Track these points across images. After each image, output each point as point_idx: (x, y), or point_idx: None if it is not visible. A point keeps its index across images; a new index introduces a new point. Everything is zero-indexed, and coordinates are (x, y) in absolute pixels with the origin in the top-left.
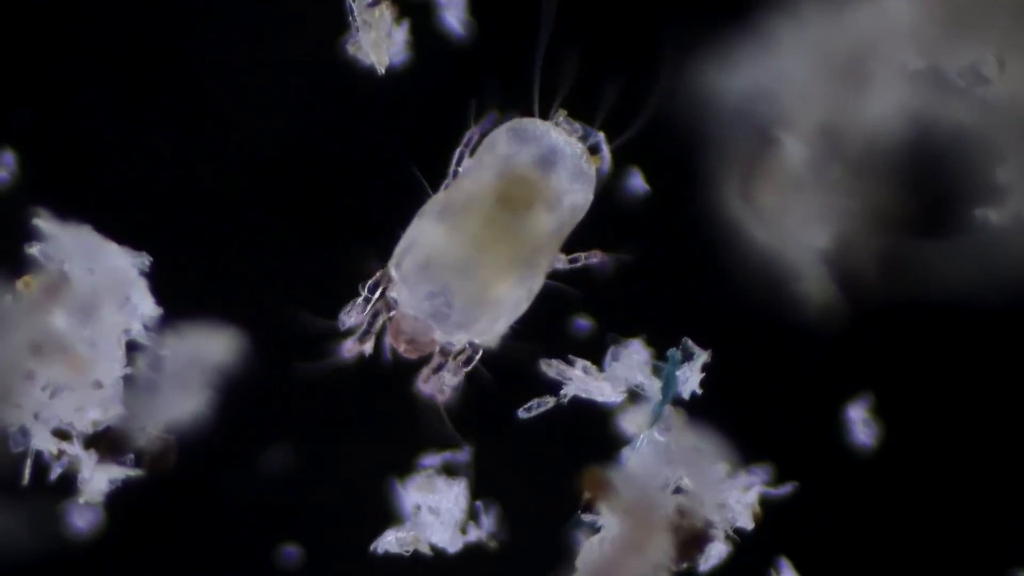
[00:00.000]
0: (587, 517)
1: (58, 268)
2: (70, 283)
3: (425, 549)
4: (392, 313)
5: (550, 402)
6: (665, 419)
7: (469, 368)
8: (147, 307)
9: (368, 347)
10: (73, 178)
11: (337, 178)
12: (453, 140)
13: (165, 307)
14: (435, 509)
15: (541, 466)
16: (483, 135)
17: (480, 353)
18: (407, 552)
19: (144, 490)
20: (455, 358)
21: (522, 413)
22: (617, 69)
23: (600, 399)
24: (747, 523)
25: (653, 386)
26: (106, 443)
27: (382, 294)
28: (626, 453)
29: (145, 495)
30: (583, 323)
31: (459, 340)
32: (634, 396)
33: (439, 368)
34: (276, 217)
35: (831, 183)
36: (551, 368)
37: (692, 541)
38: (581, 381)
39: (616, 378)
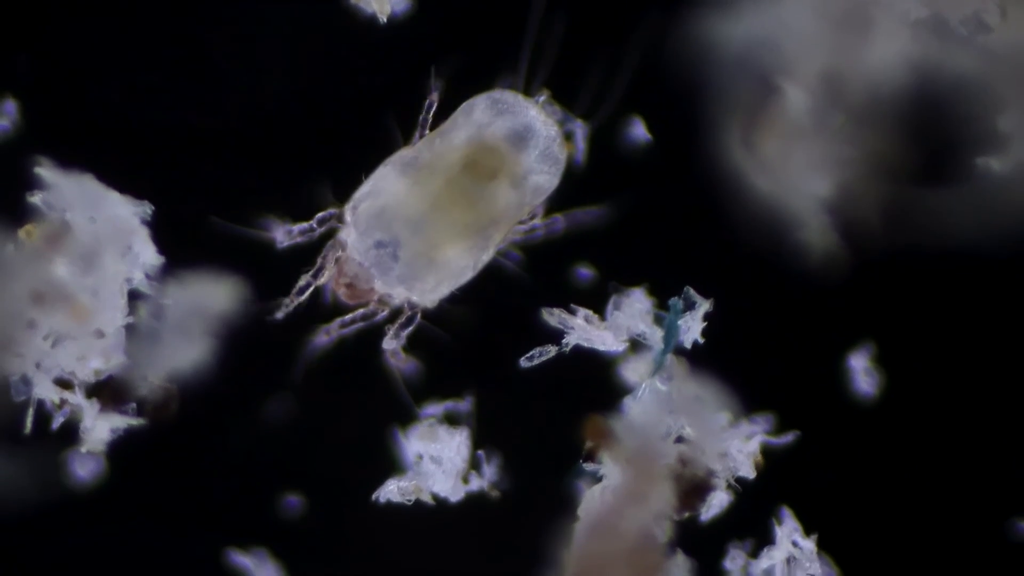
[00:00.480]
0: (589, 466)
1: (60, 217)
2: (72, 232)
3: (427, 498)
4: (338, 256)
5: (552, 351)
6: (667, 368)
7: (409, 330)
8: (149, 256)
9: (323, 280)
10: (74, 126)
11: (337, 125)
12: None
13: (167, 256)
14: (437, 458)
15: (543, 415)
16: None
17: (418, 314)
18: (409, 501)
19: (146, 439)
20: (397, 321)
21: (524, 362)
22: (607, 53)
23: (602, 348)
24: (749, 472)
25: (655, 335)
26: (108, 392)
27: (331, 232)
28: (628, 402)
29: (147, 444)
30: (585, 272)
31: (398, 295)
32: (636, 345)
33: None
34: (277, 164)
35: (833, 131)
36: (553, 317)
37: (694, 490)
38: (583, 330)
39: (618, 327)
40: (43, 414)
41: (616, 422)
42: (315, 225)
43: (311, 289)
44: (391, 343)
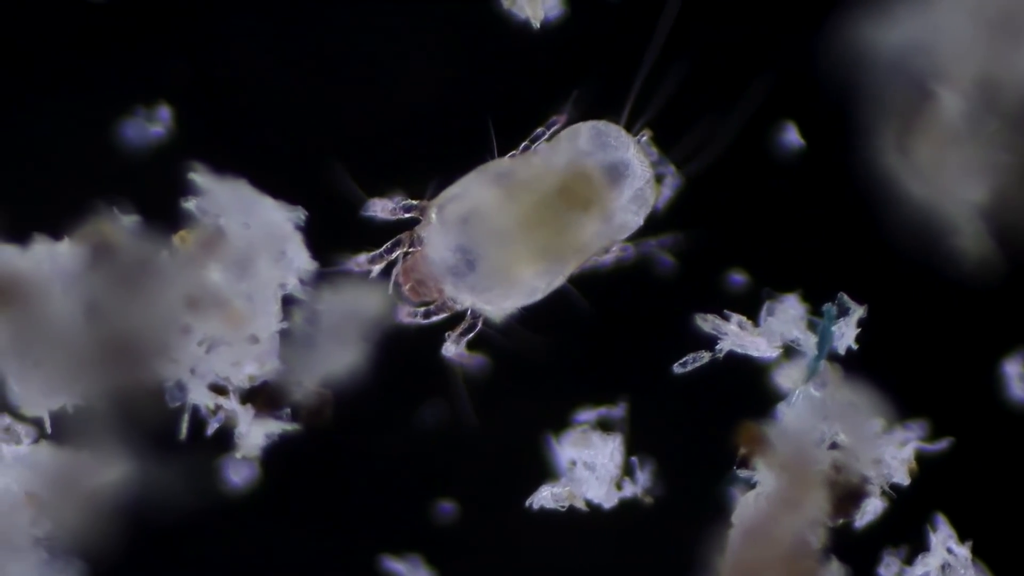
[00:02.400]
0: (743, 472)
1: (214, 222)
2: (226, 238)
3: (580, 504)
4: (412, 249)
5: (706, 357)
6: (821, 374)
7: (470, 336)
8: (303, 261)
9: (376, 269)
10: (229, 132)
11: (495, 130)
12: (596, 96)
13: (320, 261)
14: (590, 464)
15: (696, 421)
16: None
17: (480, 323)
18: (562, 507)
19: (300, 444)
20: (460, 328)
21: (677, 368)
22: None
23: (755, 354)
24: (903, 478)
25: (809, 341)
26: (262, 398)
27: (411, 224)
28: (782, 408)
29: (301, 449)
30: (738, 278)
31: (464, 301)
32: (790, 351)
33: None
34: (430, 170)
35: (988, 136)
36: (707, 323)
37: (848, 497)
38: (736, 336)
39: (772, 333)
40: (198, 420)
41: (770, 428)
42: (399, 208)
43: (370, 271)
44: (452, 349)
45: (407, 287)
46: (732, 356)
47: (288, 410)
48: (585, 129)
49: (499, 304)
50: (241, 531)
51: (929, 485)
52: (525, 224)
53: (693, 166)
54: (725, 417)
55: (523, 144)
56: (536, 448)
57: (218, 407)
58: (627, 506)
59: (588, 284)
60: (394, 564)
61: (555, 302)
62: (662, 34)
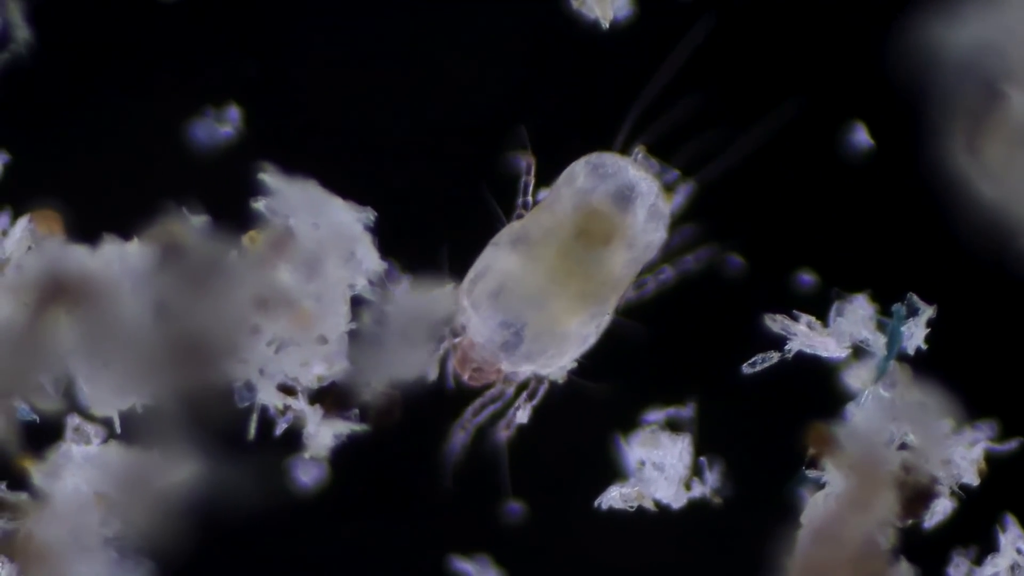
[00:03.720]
0: (812, 473)
1: (283, 223)
2: (295, 238)
3: (649, 504)
4: (458, 340)
5: (775, 357)
6: (890, 374)
7: (536, 402)
8: (372, 262)
9: (432, 372)
10: (298, 133)
11: (564, 131)
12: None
13: (390, 262)
14: (659, 465)
15: (765, 421)
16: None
17: (545, 386)
18: (631, 507)
19: (369, 445)
20: (525, 394)
21: (746, 368)
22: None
23: (824, 354)
24: (972, 479)
25: (878, 341)
26: (331, 398)
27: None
28: (851, 409)
29: (370, 450)
30: (807, 278)
31: (524, 371)
32: (859, 351)
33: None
34: (501, 174)
35: None
36: (776, 323)
37: (917, 497)
38: (805, 336)
39: (841, 333)
40: (267, 420)
41: (839, 429)
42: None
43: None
44: (521, 416)
45: (467, 377)
46: (801, 356)
47: (356, 411)
48: (580, 167)
49: (557, 363)
50: (309, 531)
51: (998, 485)
52: (555, 279)
53: (710, 168)
54: (794, 417)
55: (520, 201)
56: (605, 449)
57: (287, 407)
58: (696, 506)
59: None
60: (462, 564)
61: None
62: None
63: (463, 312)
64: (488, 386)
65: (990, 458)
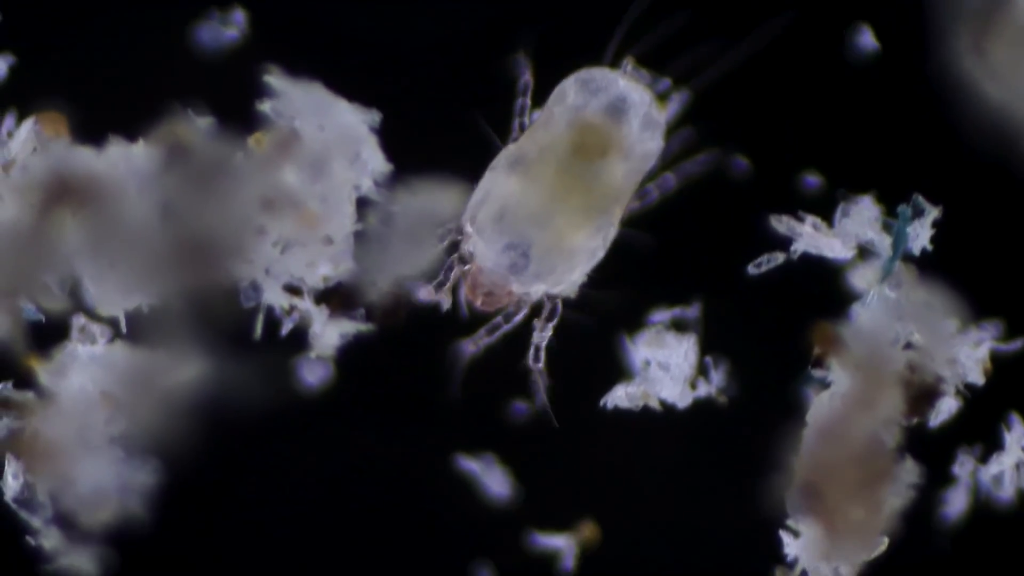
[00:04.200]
0: (817, 373)
1: (289, 125)
2: (301, 139)
3: (655, 404)
4: (467, 267)
5: (780, 258)
6: (895, 275)
7: (555, 322)
8: (377, 163)
9: (444, 298)
10: (303, 34)
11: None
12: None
13: (395, 163)
14: (664, 364)
15: (770, 322)
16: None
17: (560, 305)
18: (636, 407)
19: (375, 345)
20: (544, 316)
21: (752, 269)
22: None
23: (830, 255)
24: (978, 378)
25: (883, 242)
26: (337, 298)
27: (455, 249)
28: (856, 309)
29: (376, 350)
30: (813, 180)
31: (536, 291)
32: (864, 252)
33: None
34: (503, 74)
35: None
36: (781, 224)
37: (923, 396)
38: (811, 237)
39: (846, 234)
40: (272, 320)
41: (844, 329)
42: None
43: (439, 301)
44: (540, 336)
45: (479, 303)
46: (806, 257)
47: (362, 311)
48: (569, 85)
49: (568, 280)
50: (315, 431)
51: (1003, 384)
52: (555, 196)
53: (709, 75)
54: (799, 318)
55: (515, 123)
56: (611, 348)
57: (292, 308)
58: (701, 406)
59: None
60: (468, 463)
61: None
62: None
63: (468, 239)
64: (501, 311)
65: (995, 357)
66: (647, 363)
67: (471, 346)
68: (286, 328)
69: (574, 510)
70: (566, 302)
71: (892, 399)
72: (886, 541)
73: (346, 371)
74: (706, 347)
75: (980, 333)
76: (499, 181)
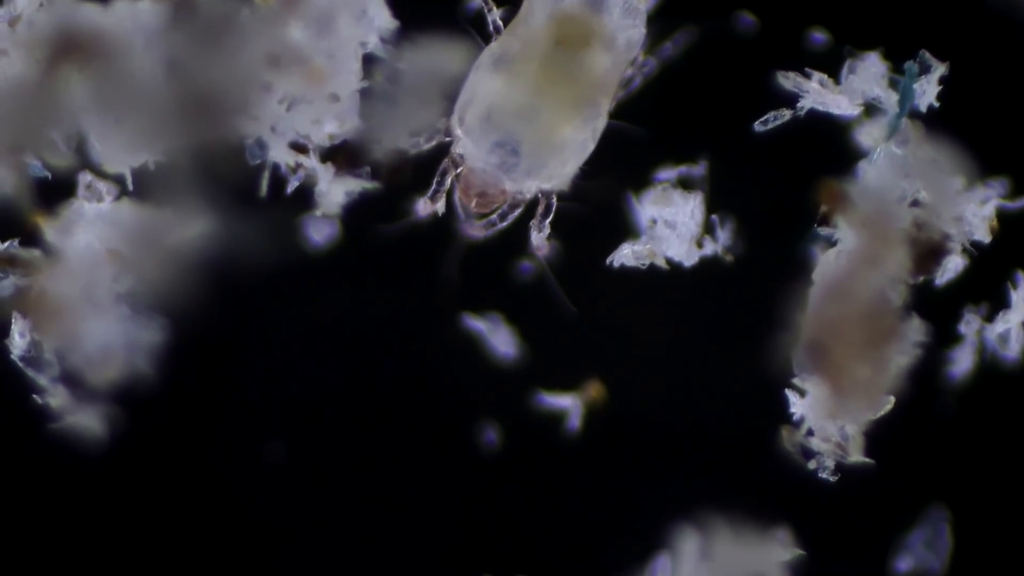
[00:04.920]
0: (824, 230)
1: None
2: None
3: (661, 262)
4: (459, 170)
5: (786, 115)
6: (902, 132)
7: (551, 217)
8: (384, 20)
9: (440, 206)
10: None
11: None
12: None
13: (401, 20)
14: (671, 222)
15: (777, 179)
16: None
17: (554, 201)
18: (643, 265)
19: (380, 202)
20: (538, 214)
21: (758, 126)
22: None
23: (837, 112)
24: (984, 236)
25: (890, 99)
26: (343, 156)
27: (446, 151)
28: (863, 166)
29: (381, 207)
30: (819, 36)
31: (528, 188)
32: (871, 109)
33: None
34: None
35: None
36: (788, 81)
37: (929, 254)
38: (818, 94)
39: (853, 91)
40: (278, 177)
41: (851, 186)
42: (423, 142)
43: (435, 211)
44: (539, 236)
45: (472, 204)
46: (813, 114)
47: (368, 168)
48: None
49: (560, 173)
50: (320, 289)
51: (1010, 242)
52: (541, 90)
53: None
54: (806, 175)
55: (489, 20)
56: (617, 207)
57: (298, 165)
58: (707, 264)
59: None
60: (475, 322)
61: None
62: None
63: (458, 142)
64: (497, 211)
65: (1002, 215)
66: (653, 221)
67: (475, 232)
68: (292, 186)
69: (580, 369)
70: (560, 196)
71: (898, 257)
72: (892, 400)
73: (351, 229)
74: (712, 205)
75: (987, 191)
76: (483, 80)
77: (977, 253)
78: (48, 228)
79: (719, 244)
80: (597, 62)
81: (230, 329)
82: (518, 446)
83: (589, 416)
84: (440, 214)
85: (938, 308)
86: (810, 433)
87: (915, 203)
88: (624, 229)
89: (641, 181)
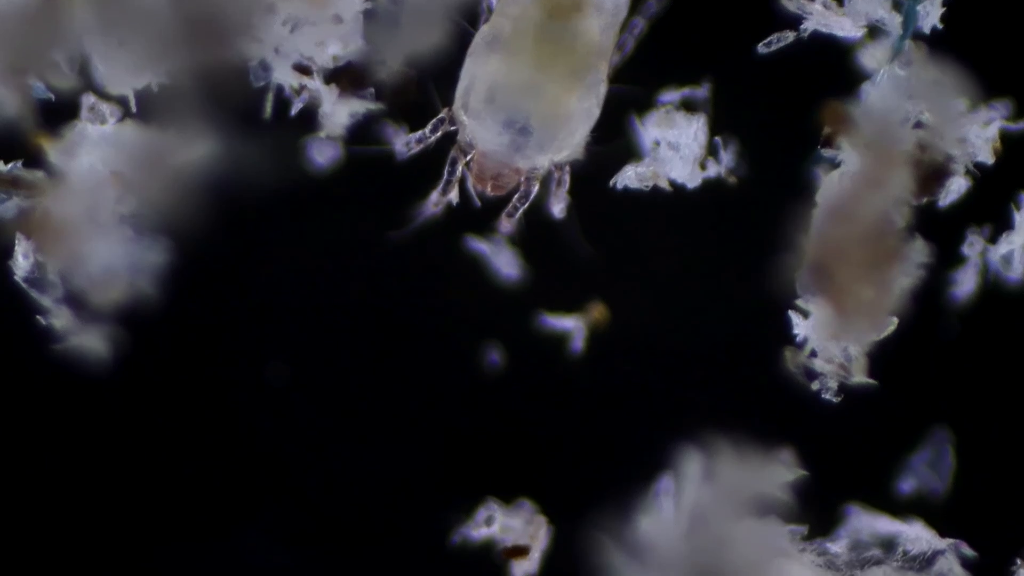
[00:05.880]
0: (827, 152)
1: None
2: None
3: (664, 184)
4: (470, 156)
5: (790, 37)
6: (905, 53)
7: (566, 188)
8: None
9: (454, 196)
10: None
11: None
12: None
13: None
14: (674, 144)
15: (780, 101)
16: None
17: (567, 172)
18: (646, 187)
19: (380, 122)
20: (554, 184)
21: (761, 48)
22: None
23: (840, 33)
24: (987, 157)
25: (894, 20)
26: (347, 77)
27: (450, 137)
28: (866, 88)
29: (381, 126)
30: None
31: (542, 162)
32: (874, 30)
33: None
34: None
35: None
36: (791, 2)
37: (932, 175)
38: (821, 15)
39: (856, 12)
40: (282, 99)
41: (854, 107)
42: (428, 133)
43: (449, 202)
44: (558, 205)
45: (489, 189)
46: (816, 36)
47: (372, 90)
48: None
49: (571, 144)
50: (324, 210)
51: (1013, 164)
52: (540, 63)
53: None
54: (809, 97)
55: (481, 4)
56: (620, 129)
57: (302, 87)
58: (710, 186)
59: None
60: (478, 243)
61: None
62: None
63: (464, 129)
64: (514, 192)
65: (1005, 137)
66: (657, 143)
67: (507, 226)
68: (296, 108)
69: (583, 291)
70: (573, 166)
71: (901, 178)
72: (895, 321)
73: (352, 153)
74: (716, 127)
75: (990, 112)
76: (481, 63)
77: (980, 174)
78: (52, 150)
79: (722, 166)
80: (590, 27)
81: (233, 251)
82: (521, 368)
83: (592, 338)
84: (455, 204)
85: (941, 229)
86: (813, 354)
87: (918, 125)
88: (627, 151)
89: (644, 103)
